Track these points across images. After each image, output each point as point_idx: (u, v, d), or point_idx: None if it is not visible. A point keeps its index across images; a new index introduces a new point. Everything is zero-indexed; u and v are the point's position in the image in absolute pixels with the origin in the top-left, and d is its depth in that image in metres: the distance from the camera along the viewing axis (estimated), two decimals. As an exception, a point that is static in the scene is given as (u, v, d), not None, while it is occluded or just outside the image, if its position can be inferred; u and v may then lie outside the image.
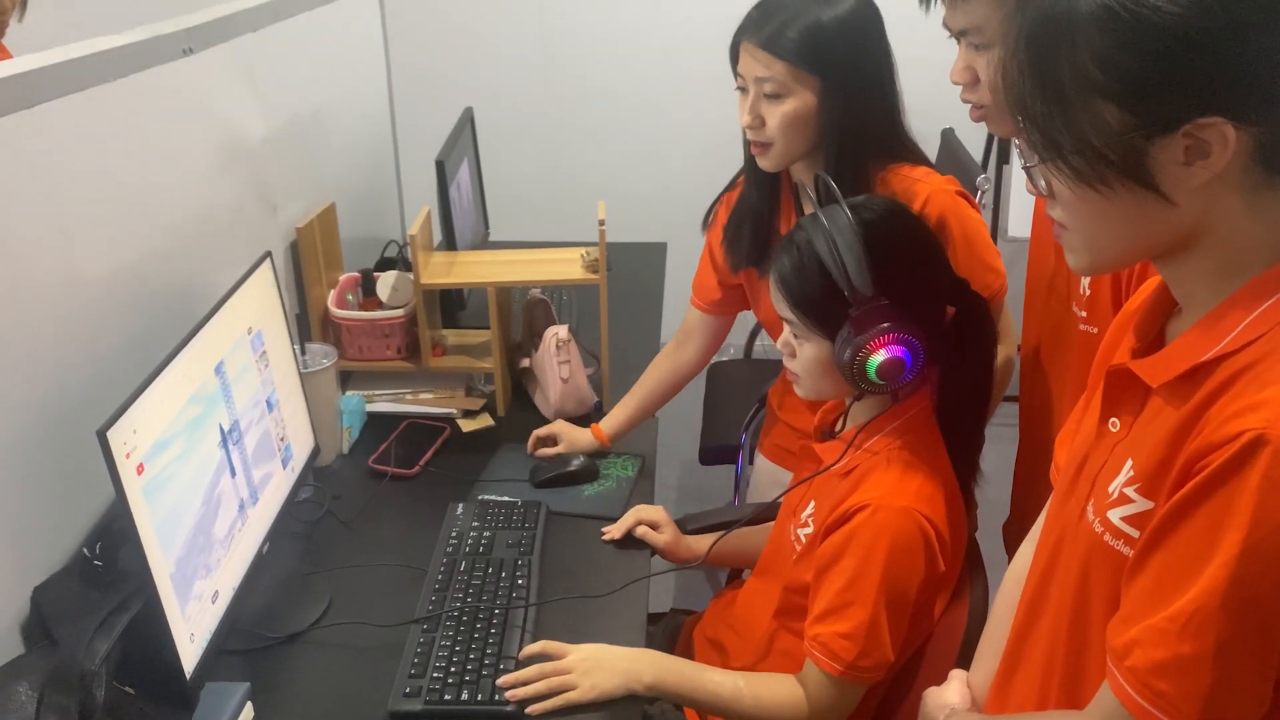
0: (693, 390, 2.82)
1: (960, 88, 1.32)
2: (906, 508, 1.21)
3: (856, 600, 1.20)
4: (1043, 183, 0.84)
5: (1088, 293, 1.30)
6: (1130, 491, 0.84)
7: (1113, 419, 0.90)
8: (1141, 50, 0.74)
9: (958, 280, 1.30)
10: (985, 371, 1.32)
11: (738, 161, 1.67)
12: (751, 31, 1.47)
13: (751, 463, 2.05)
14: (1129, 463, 0.85)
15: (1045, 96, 0.79)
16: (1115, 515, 0.85)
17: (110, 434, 1.02)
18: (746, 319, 3.30)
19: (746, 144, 1.57)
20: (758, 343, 2.98)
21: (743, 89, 1.52)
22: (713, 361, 3.13)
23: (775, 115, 1.47)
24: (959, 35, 1.29)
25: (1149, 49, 0.74)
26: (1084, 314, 1.31)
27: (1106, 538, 0.86)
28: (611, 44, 3.55)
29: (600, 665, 1.25)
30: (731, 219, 1.68)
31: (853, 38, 1.45)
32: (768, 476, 1.86)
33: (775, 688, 1.27)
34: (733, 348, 3.85)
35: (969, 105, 1.32)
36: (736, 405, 2.51)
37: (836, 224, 1.20)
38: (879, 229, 1.22)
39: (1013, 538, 1.54)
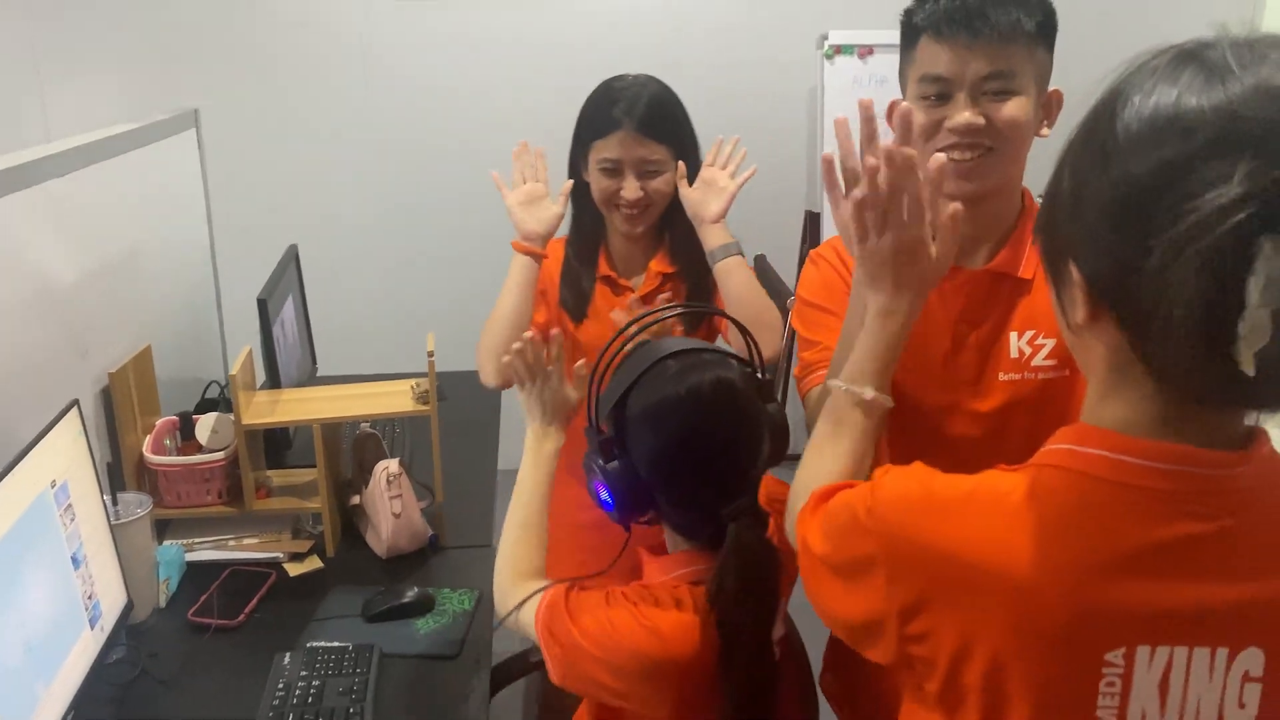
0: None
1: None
2: None
3: None
4: None
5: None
6: None
7: None
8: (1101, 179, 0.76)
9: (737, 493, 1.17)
10: (765, 630, 1.16)
11: None
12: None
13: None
14: None
15: (1071, 200, 0.81)
16: None
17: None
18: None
19: None
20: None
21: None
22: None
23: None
24: (987, 81, 1.22)
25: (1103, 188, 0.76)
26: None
27: None
28: (429, 173, 3.64)
29: None
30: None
31: None
32: None
33: None
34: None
35: (960, 156, 1.24)
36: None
37: (632, 359, 1.25)
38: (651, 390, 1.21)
39: None
